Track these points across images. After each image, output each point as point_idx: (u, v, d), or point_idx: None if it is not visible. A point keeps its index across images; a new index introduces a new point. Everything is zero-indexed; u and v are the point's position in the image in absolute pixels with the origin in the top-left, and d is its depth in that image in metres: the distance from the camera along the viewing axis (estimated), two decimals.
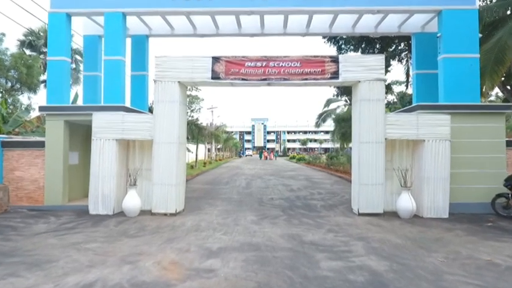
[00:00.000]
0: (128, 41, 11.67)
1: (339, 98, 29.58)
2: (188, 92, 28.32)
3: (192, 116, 28.35)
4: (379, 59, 8.52)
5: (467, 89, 9.22)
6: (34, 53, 25.77)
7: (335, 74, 8.50)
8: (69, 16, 9.69)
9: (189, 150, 28.88)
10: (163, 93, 8.59)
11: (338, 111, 32.50)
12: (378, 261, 5.13)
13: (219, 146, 54.72)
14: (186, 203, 9.86)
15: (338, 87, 22.51)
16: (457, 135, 8.72)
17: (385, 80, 8.51)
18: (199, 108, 30.59)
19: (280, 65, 8.55)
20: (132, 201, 8.39)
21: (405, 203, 8.18)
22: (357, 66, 8.48)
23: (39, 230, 6.97)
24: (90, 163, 8.69)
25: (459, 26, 9.28)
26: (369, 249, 5.74)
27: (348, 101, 32.81)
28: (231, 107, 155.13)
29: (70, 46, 9.88)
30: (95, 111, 8.85)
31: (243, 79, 8.58)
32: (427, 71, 11.24)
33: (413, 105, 9.61)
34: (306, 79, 8.52)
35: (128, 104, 11.10)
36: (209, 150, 47.42)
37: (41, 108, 9.48)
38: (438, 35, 9.67)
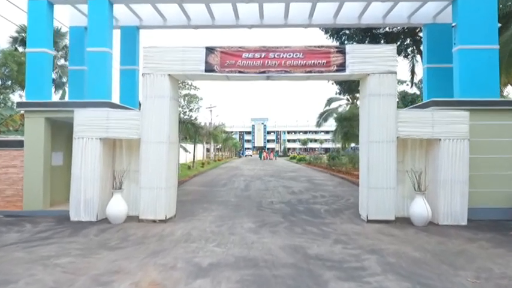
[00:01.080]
0: (117, 33, 10.90)
1: (341, 96, 28.80)
2: (186, 91, 27.55)
3: (191, 116, 27.56)
4: (390, 50, 7.71)
5: (486, 83, 8.42)
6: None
7: (341, 67, 7.70)
8: (50, 4, 8.89)
9: (186, 150, 28.15)
10: (151, 87, 7.79)
11: (340, 110, 31.76)
12: (397, 281, 4.33)
13: (218, 146, 53.95)
14: (179, 207, 9.06)
15: (340, 84, 21.72)
16: (475, 134, 7.90)
17: (396, 73, 7.70)
18: (198, 108, 29.81)
19: (281, 56, 7.75)
20: (117, 207, 7.59)
21: (419, 208, 7.38)
22: (365, 57, 7.67)
23: (9, 240, 6.17)
24: (72, 164, 7.90)
25: (476, 14, 8.49)
26: (385, 265, 4.93)
27: (350, 99, 32.10)
28: (230, 107, 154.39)
29: (52, 37, 9.07)
30: (78, 108, 8.06)
31: (240, 72, 7.78)
32: (439, 65, 10.47)
33: (426, 101, 8.81)
34: (310, 72, 7.72)
35: (116, 100, 10.32)
36: (208, 150, 46.65)
37: (19, 105, 8.71)
38: (453, 24, 8.86)
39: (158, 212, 7.68)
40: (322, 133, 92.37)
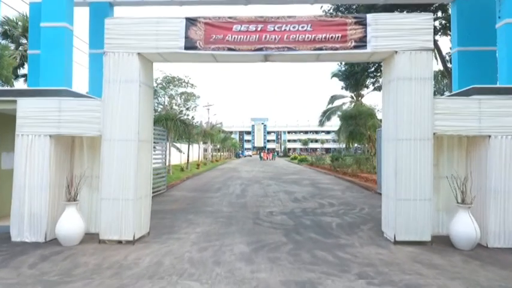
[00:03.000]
0: (86, 10, 9.16)
1: (346, 92, 27.04)
2: (183, 89, 25.81)
3: (188, 115, 25.89)
4: (425, 20, 5.94)
5: None
6: (5, 41, 23.22)
7: (361, 42, 5.95)
8: None
9: (180, 151, 26.42)
10: (115, 69, 6.07)
11: (344, 107, 30.03)
12: None
13: (217, 146, 52.26)
14: (158, 220, 7.44)
15: (347, 79, 19.96)
16: None
17: (433, 50, 5.96)
18: (195, 107, 28.16)
19: (283, 28, 6.01)
20: (70, 224, 5.82)
21: (465, 227, 5.62)
22: (393, 30, 5.92)
23: None
24: (14, 168, 6.16)
25: None
26: None
27: (355, 97, 30.37)
28: (230, 107, 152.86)
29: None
30: (23, 97, 6.32)
31: (229, 49, 6.03)
32: (472, 47, 8.71)
33: (465, 88, 7.05)
34: (320, 49, 5.96)
35: (86, 90, 8.58)
36: (206, 150, 44.95)
37: None
38: None
39: (124, 230, 5.93)
40: (323, 133, 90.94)
